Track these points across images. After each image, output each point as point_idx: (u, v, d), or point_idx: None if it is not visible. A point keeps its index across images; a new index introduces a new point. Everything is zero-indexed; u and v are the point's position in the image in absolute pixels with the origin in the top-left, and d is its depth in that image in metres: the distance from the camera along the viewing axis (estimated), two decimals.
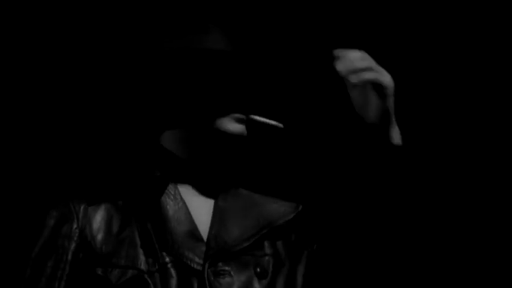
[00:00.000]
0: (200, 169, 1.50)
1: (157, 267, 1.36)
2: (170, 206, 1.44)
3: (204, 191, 1.50)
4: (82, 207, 1.44)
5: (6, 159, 2.06)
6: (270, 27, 2.18)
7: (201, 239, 1.41)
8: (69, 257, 1.41)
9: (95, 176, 1.53)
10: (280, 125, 1.51)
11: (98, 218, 1.43)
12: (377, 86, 1.38)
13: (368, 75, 1.36)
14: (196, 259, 1.38)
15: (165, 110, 1.48)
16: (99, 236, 1.41)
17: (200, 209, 1.47)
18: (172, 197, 1.45)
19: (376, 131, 1.40)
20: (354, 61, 1.36)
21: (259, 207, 1.48)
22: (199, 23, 1.53)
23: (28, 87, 2.09)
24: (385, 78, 1.38)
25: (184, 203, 1.45)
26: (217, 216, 1.45)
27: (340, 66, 1.36)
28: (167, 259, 1.37)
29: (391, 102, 1.39)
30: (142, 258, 1.37)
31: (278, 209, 1.49)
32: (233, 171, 1.53)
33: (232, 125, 1.47)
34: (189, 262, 1.37)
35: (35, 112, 2.09)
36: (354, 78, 1.36)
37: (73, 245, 1.41)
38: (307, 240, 1.48)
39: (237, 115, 1.48)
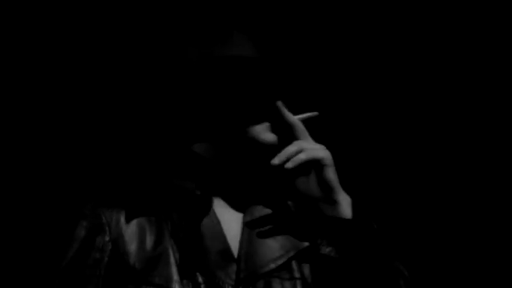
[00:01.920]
0: (231, 180, 1.48)
1: (191, 287, 1.36)
2: (205, 223, 1.42)
3: (233, 205, 1.48)
4: (114, 219, 1.41)
5: (35, 167, 2.05)
6: (293, 31, 2.16)
7: (233, 258, 1.40)
8: (102, 271, 1.38)
9: (126, 187, 1.49)
10: (316, 113, 1.48)
11: (130, 231, 1.40)
12: (313, 162, 1.39)
13: (301, 157, 1.38)
14: (228, 280, 1.37)
15: (197, 120, 1.45)
16: (132, 251, 1.38)
17: (230, 223, 1.44)
18: (207, 214, 1.43)
19: (323, 204, 1.41)
20: (285, 149, 1.39)
21: (285, 229, 1.45)
22: (223, 29, 1.49)
23: (59, 99, 2.09)
24: (319, 152, 1.39)
25: (218, 220, 1.43)
26: (246, 235, 1.43)
27: (273, 160, 1.38)
28: (200, 279, 1.36)
29: (331, 173, 1.40)
30: (176, 278, 1.35)
31: (303, 230, 1.45)
32: (261, 186, 1.51)
33: (266, 135, 1.44)
34: (221, 283, 1.36)
35: (65, 123, 2.08)
36: (288, 165, 1.37)
37: (106, 259, 1.38)
38: (334, 260, 1.42)
39: (270, 124, 1.45)
